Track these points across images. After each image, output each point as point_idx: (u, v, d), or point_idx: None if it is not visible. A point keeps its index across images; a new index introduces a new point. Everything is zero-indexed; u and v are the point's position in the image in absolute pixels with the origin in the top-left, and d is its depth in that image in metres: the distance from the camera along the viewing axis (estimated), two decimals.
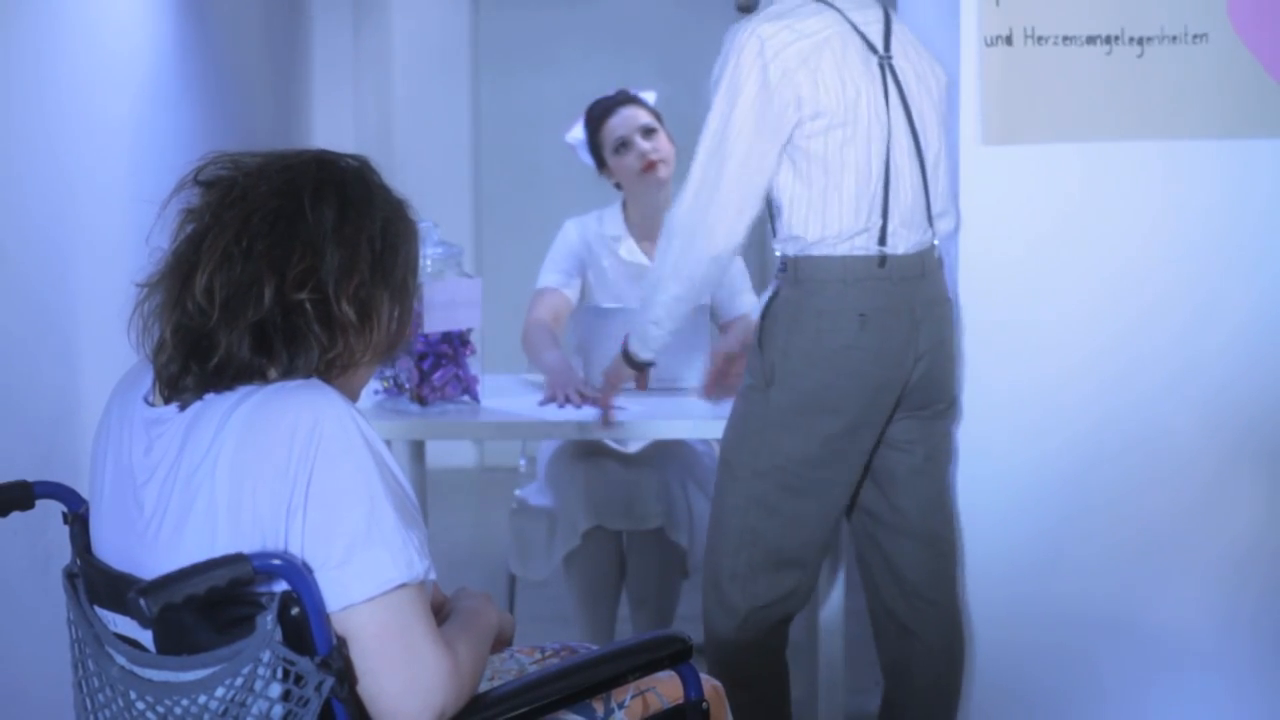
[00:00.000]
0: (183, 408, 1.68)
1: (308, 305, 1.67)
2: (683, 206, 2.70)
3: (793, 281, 2.68)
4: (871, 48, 2.72)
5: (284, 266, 1.67)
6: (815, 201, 2.66)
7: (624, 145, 3.62)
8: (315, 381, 1.67)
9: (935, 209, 2.79)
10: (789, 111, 2.63)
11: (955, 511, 3.00)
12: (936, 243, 2.79)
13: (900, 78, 2.74)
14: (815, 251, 2.66)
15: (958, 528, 3.01)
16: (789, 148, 2.67)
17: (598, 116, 3.68)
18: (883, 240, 2.66)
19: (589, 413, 3.17)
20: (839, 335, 2.64)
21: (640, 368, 2.98)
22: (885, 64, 2.73)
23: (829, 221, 2.66)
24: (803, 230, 2.67)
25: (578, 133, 3.73)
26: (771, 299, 2.72)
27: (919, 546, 2.82)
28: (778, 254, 2.73)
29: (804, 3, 2.71)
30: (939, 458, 2.85)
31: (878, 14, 2.78)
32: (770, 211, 2.75)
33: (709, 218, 2.66)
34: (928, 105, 2.78)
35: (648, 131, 3.59)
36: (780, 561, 2.73)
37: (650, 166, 3.58)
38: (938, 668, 2.89)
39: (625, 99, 3.68)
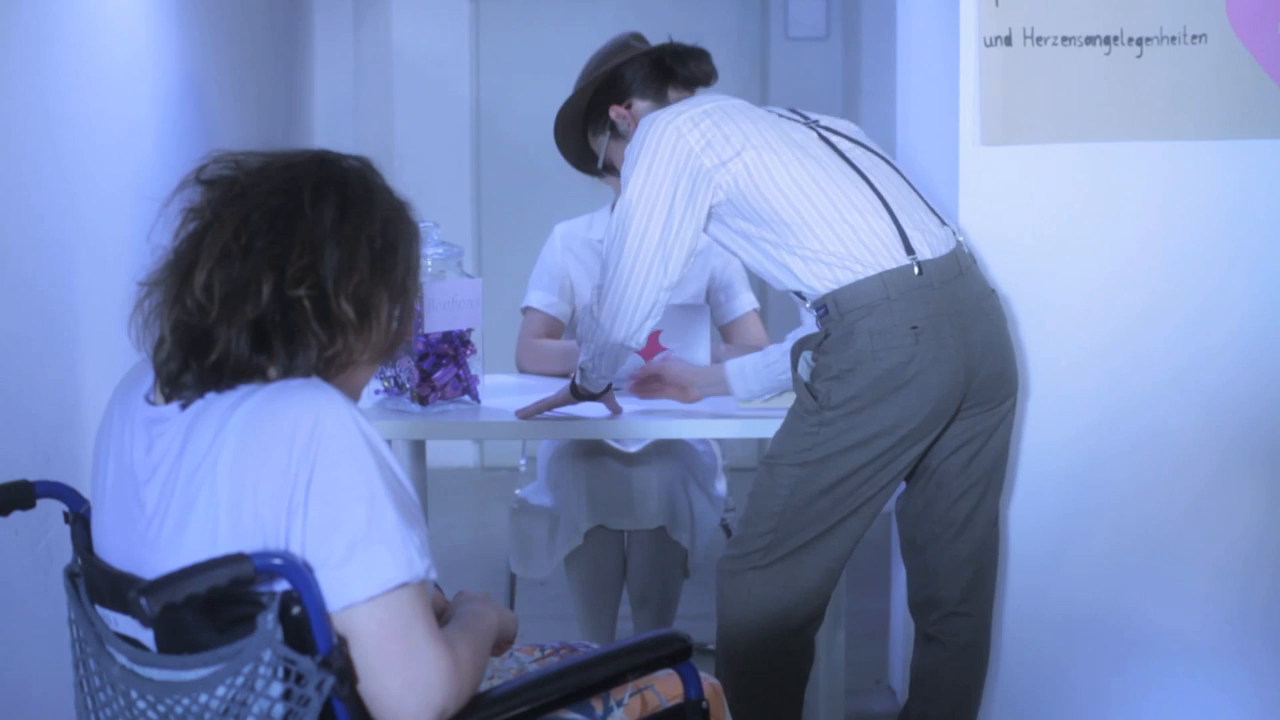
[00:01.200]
0: (184, 406, 1.68)
1: (306, 302, 1.67)
2: (608, 268, 2.74)
3: (837, 317, 2.63)
4: (792, 120, 2.81)
5: (283, 263, 1.67)
6: (808, 224, 2.66)
7: None
8: (316, 381, 1.67)
9: (939, 210, 2.78)
10: (707, 156, 2.68)
11: (1004, 521, 2.98)
12: (961, 239, 2.77)
13: (836, 129, 2.82)
14: (850, 279, 2.62)
15: (1004, 538, 2.99)
16: (738, 209, 2.70)
17: None
18: (909, 250, 2.64)
19: (589, 412, 3.17)
20: (894, 353, 2.59)
21: (595, 395, 2.99)
22: (813, 125, 2.81)
23: (832, 220, 2.65)
24: (818, 256, 2.65)
25: None
26: (821, 340, 2.66)
27: (959, 564, 2.79)
28: (808, 305, 2.70)
29: (706, 97, 2.84)
30: (1001, 466, 2.82)
31: (779, 108, 2.90)
32: (772, 274, 2.74)
33: (633, 277, 2.71)
34: (874, 146, 2.83)
35: None
36: (804, 561, 2.71)
37: None
38: (960, 677, 2.86)
39: None
